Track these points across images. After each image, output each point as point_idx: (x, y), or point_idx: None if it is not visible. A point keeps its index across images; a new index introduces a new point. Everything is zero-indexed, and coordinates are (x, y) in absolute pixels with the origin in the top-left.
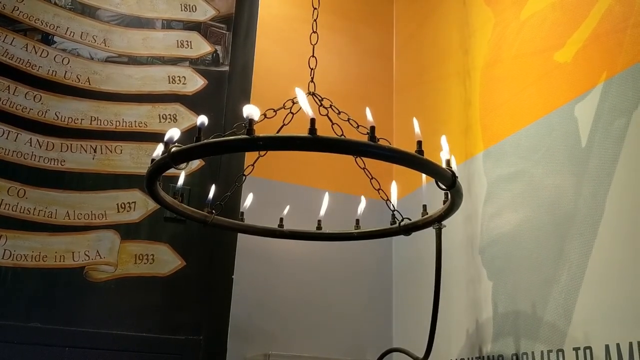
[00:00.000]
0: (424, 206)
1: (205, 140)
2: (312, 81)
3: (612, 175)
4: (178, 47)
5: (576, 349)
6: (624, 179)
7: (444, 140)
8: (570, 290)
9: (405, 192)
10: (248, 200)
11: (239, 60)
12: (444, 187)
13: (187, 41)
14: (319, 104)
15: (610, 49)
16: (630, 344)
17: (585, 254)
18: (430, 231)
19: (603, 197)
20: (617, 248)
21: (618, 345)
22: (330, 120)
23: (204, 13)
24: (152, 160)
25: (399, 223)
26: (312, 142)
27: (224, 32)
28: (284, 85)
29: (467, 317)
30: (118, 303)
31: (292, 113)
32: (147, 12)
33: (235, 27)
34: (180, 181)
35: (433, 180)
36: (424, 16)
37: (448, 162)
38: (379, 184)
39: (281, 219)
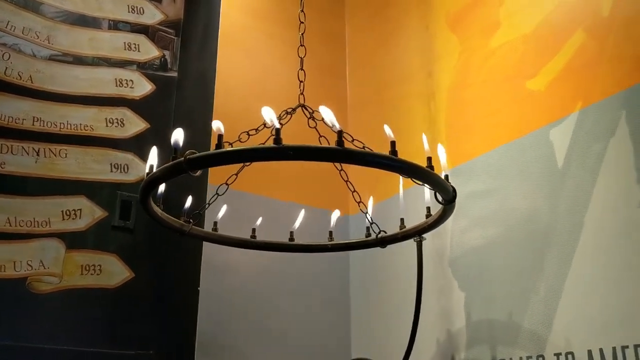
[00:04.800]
0: (402, 219)
1: (230, 148)
2: (301, 94)
3: (590, 195)
4: (125, 49)
5: (557, 355)
6: (603, 199)
7: (441, 150)
8: (550, 300)
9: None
10: (222, 211)
11: (193, 68)
12: (442, 200)
13: (134, 44)
14: (309, 116)
15: (585, 80)
16: (614, 349)
17: (564, 266)
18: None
19: (582, 215)
20: (597, 261)
21: (601, 350)
22: (319, 133)
23: (152, 16)
24: (152, 166)
25: (377, 235)
26: (341, 154)
27: (172, 37)
28: (246, 95)
29: (438, 327)
30: (64, 316)
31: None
32: (93, 11)
33: (185, 33)
34: (162, 188)
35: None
36: (382, 38)
37: (447, 177)
38: (359, 196)
39: (254, 230)
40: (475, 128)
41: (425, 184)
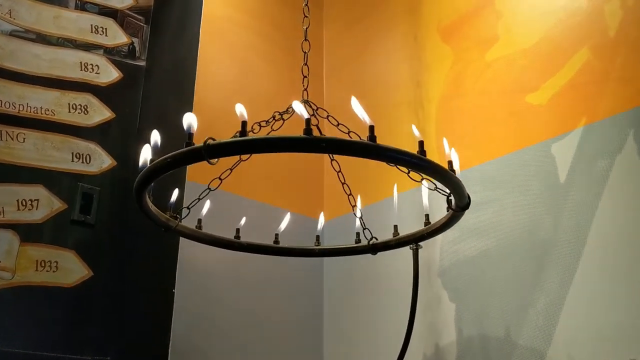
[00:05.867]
0: (395, 226)
1: (258, 136)
2: (305, 90)
3: (595, 211)
4: (92, 32)
5: None
6: (609, 215)
7: (453, 152)
8: (549, 314)
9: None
10: (205, 208)
11: (165, 59)
12: (455, 207)
13: (102, 27)
14: (313, 113)
15: (589, 97)
16: None
17: (566, 281)
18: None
19: (585, 230)
20: (602, 277)
21: None
22: (320, 131)
23: (121, 0)
24: (155, 150)
25: (369, 241)
26: (373, 149)
27: (142, 24)
28: (225, 90)
29: (424, 340)
30: (15, 315)
31: (282, 119)
32: None
33: (155, 22)
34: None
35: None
36: (364, 45)
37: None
38: (354, 200)
39: (237, 230)
40: (469, 139)
41: (440, 189)
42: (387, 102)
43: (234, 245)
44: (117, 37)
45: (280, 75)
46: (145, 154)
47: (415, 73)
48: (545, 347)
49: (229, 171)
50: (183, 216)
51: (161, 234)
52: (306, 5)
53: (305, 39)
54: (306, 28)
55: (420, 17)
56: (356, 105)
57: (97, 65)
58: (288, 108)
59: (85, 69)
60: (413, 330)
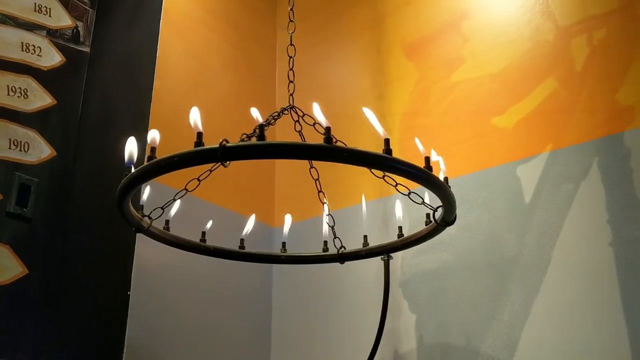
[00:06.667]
0: (365, 237)
1: (278, 141)
2: (291, 95)
3: (559, 232)
4: (35, 10)
5: None
6: (573, 236)
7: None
8: (513, 327)
9: (303, 216)
10: (174, 209)
11: (112, 47)
12: (441, 221)
13: (45, 7)
14: (297, 119)
15: (555, 125)
16: None
17: (530, 296)
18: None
19: (549, 250)
20: (566, 294)
21: None
22: (302, 138)
23: None
24: (153, 149)
25: (338, 250)
26: (388, 162)
27: (88, 8)
28: (180, 88)
29: (384, 349)
30: None
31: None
32: None
33: (102, 6)
34: None
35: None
36: (321, 52)
37: None
38: (328, 208)
39: (203, 233)
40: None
41: (425, 202)
42: (347, 111)
43: (201, 249)
44: (62, 18)
45: (239, 76)
46: (131, 147)
47: (378, 85)
48: (508, 357)
49: (208, 172)
50: (156, 217)
51: (108, 230)
52: (291, 9)
53: (291, 44)
54: (291, 33)
55: (384, 32)
56: (371, 116)
57: (39, 47)
58: (279, 112)
59: (27, 50)
60: (370, 336)
